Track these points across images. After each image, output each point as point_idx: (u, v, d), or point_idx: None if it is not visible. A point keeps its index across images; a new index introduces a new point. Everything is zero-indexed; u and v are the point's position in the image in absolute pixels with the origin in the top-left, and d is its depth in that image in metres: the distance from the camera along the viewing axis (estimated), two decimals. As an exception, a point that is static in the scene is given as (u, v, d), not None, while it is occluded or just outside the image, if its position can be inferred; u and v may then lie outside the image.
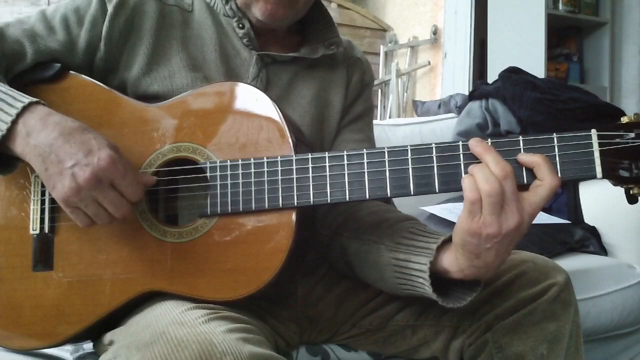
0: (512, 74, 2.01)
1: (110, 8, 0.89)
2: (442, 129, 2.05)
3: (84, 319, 0.80)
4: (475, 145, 0.72)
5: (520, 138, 0.73)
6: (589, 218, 1.73)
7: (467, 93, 2.22)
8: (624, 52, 3.05)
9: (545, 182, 0.69)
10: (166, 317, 0.70)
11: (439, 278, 0.77)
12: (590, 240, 1.65)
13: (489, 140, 0.73)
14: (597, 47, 3.09)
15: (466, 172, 0.72)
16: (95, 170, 0.71)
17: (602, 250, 1.66)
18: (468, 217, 0.70)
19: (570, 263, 1.43)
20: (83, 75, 0.87)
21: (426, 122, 2.08)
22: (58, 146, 0.72)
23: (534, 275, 0.88)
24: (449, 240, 0.77)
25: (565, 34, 3.14)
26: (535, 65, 2.72)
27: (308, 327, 0.97)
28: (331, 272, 1.00)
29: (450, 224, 1.54)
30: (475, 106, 2.02)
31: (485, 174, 0.69)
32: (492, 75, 2.76)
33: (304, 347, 0.97)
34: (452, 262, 0.75)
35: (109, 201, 0.73)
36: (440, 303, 0.76)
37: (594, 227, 1.70)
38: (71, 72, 0.87)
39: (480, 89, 2.06)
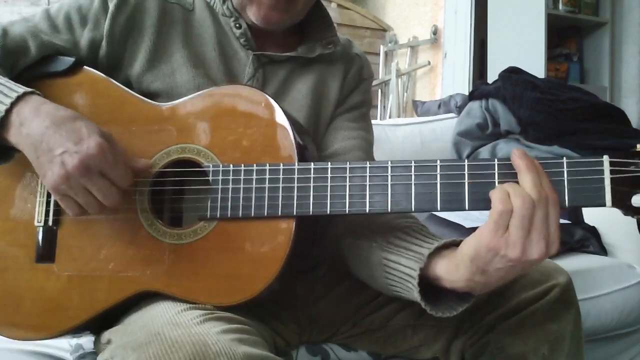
0: (512, 74, 2.01)
1: (111, 6, 0.90)
2: (442, 129, 2.05)
3: (82, 314, 0.80)
4: (518, 157, 0.68)
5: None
6: (589, 218, 1.73)
7: (467, 93, 2.21)
8: (624, 52, 3.05)
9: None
10: (162, 317, 0.71)
11: (430, 284, 0.76)
12: (590, 240, 1.65)
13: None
14: (597, 47, 3.09)
15: (469, 192, 0.70)
16: (83, 157, 0.71)
17: (602, 250, 1.66)
18: (492, 229, 0.66)
19: (570, 263, 1.43)
20: (96, 71, 0.88)
21: (426, 122, 2.08)
22: (49, 135, 0.73)
23: (535, 276, 0.88)
24: (443, 247, 0.75)
25: (565, 34, 3.14)
26: (535, 65, 2.71)
27: (308, 327, 0.97)
28: (331, 272, 1.00)
29: (450, 224, 1.54)
30: (475, 106, 2.02)
31: (518, 189, 0.66)
32: (492, 75, 2.76)
33: (304, 346, 0.97)
34: (447, 270, 0.73)
35: (98, 189, 0.73)
36: (429, 311, 0.74)
37: (594, 227, 1.70)
38: (84, 67, 0.88)
39: (480, 89, 2.06)
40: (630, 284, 1.49)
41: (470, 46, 3.27)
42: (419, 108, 2.41)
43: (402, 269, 0.76)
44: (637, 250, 1.62)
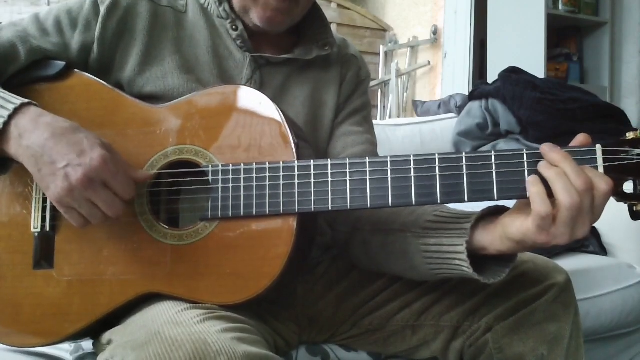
0: (512, 74, 2.01)
1: (102, 9, 0.89)
2: (442, 129, 2.05)
3: (83, 318, 0.80)
4: (550, 151, 0.68)
5: (524, 152, 0.70)
6: (588, 218, 1.73)
7: (467, 93, 2.22)
8: (624, 52, 3.05)
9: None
10: (162, 317, 0.71)
11: (471, 256, 0.75)
12: (590, 240, 1.65)
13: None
14: (597, 47, 3.09)
15: (471, 182, 0.70)
16: (87, 170, 0.71)
17: (602, 250, 1.66)
18: (537, 231, 0.66)
19: (570, 263, 1.43)
20: (87, 74, 0.87)
21: (426, 122, 2.08)
22: (50, 147, 0.73)
23: (534, 275, 0.88)
24: (480, 219, 0.75)
25: (565, 34, 3.14)
26: (535, 65, 2.71)
27: (308, 327, 0.97)
28: (331, 271, 1.00)
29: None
30: (475, 106, 2.02)
31: (565, 183, 0.65)
32: (492, 75, 2.76)
33: (304, 347, 0.97)
34: (491, 241, 0.73)
35: (102, 201, 0.73)
36: (482, 281, 0.75)
37: (594, 227, 1.69)
38: (76, 70, 0.87)
39: (480, 89, 2.06)
40: (630, 284, 1.49)
41: (470, 46, 3.27)
42: (419, 108, 2.41)
43: (444, 249, 0.77)
44: (637, 250, 1.62)
